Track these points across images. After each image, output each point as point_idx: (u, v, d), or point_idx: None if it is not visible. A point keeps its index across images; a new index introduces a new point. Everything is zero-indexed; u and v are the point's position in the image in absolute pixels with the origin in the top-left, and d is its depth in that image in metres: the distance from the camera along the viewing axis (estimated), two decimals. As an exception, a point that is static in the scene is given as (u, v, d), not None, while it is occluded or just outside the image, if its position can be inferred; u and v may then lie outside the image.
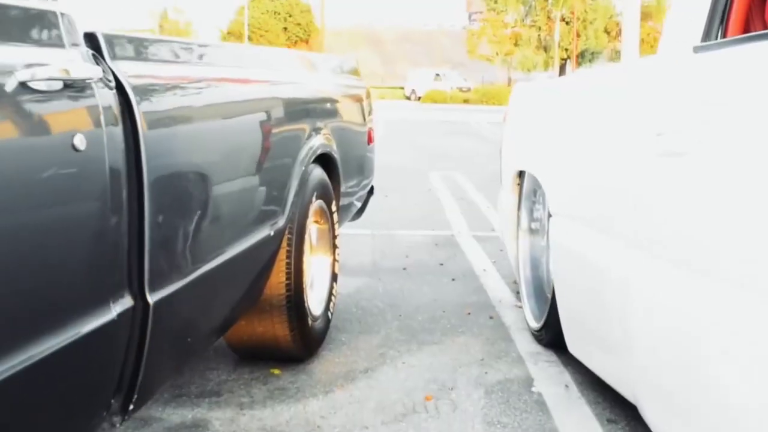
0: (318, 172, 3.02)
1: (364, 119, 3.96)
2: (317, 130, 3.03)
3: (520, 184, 3.49)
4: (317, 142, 2.99)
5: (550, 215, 2.92)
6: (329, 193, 3.19)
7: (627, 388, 2.28)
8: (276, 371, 2.89)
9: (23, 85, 1.35)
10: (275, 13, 61.70)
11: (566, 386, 2.79)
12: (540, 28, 51.11)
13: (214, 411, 2.55)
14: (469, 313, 3.68)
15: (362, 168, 3.88)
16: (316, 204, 3.03)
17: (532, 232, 3.45)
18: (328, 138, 3.16)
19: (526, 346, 3.22)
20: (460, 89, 43.63)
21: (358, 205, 4.01)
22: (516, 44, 50.08)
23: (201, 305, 2.11)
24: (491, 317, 3.63)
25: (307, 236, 2.90)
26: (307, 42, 63.23)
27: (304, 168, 2.82)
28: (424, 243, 5.42)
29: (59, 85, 1.44)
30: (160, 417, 2.49)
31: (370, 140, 4.05)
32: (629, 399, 2.28)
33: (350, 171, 3.57)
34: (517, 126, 3.59)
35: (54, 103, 1.43)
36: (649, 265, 2.01)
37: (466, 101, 39.34)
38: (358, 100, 3.90)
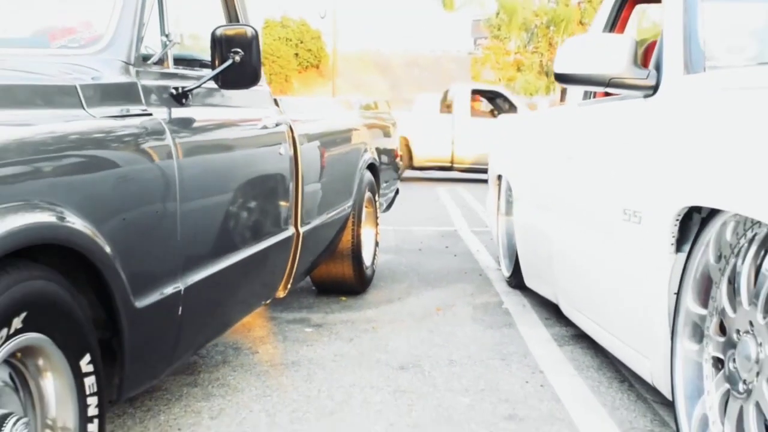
0: (368, 175, 4.76)
1: (393, 140, 5.71)
2: (367, 148, 4.76)
3: (499, 184, 5.23)
4: (368, 156, 4.73)
5: (514, 200, 4.65)
6: (374, 188, 4.93)
7: (551, 295, 3.99)
8: (343, 298, 4.61)
9: (263, 125, 3.10)
10: (287, 39, 63.74)
11: (523, 305, 4.50)
12: (542, 54, 52.96)
13: (310, 314, 4.26)
14: (465, 273, 5.41)
15: (392, 174, 5.62)
16: (367, 195, 4.76)
17: (507, 214, 5.16)
18: (373, 153, 4.90)
19: (502, 288, 4.94)
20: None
21: (387, 202, 5.75)
22: (518, 70, 51.92)
23: (318, 240, 3.84)
24: (480, 275, 5.36)
25: (362, 214, 4.63)
26: (317, 67, 65.18)
27: (361, 172, 4.56)
28: (433, 235, 7.16)
29: (274, 124, 3.19)
30: (279, 317, 4.20)
31: (396, 156, 5.79)
32: (553, 300, 3.98)
33: (386, 175, 5.31)
34: (498, 144, 5.34)
35: (274, 133, 3.18)
36: (559, 223, 3.71)
37: (471, 125, 41.10)
38: (389, 127, 5.65)
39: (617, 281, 2.88)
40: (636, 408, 2.95)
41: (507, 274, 5.00)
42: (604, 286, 3.06)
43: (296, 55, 63.35)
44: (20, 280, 1.66)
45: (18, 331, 1.67)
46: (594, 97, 3.66)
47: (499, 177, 5.22)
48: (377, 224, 5.04)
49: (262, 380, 3.20)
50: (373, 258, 4.91)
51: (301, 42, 64.41)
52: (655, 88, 2.72)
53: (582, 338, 3.77)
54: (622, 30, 3.63)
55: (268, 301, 3.52)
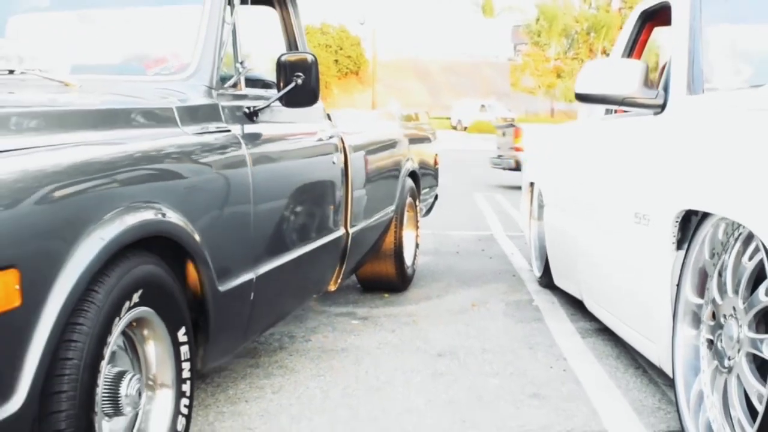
0: (410, 182, 5.18)
1: (432, 149, 6.12)
2: (409, 157, 5.18)
3: (532, 190, 5.61)
4: (410, 164, 5.15)
5: (544, 205, 5.04)
6: (415, 194, 5.35)
7: (577, 292, 4.36)
8: (386, 295, 5.03)
9: (319, 138, 3.53)
10: (327, 46, 64.44)
11: (552, 303, 4.88)
12: (582, 61, 52.84)
13: (356, 309, 4.69)
14: (500, 274, 5.80)
15: (432, 181, 6.04)
16: (409, 200, 5.17)
17: (538, 219, 5.54)
18: (414, 161, 5.31)
19: (533, 287, 5.32)
20: (505, 120, 45.64)
21: (427, 207, 6.16)
22: (558, 76, 52.00)
23: (365, 241, 4.26)
24: (514, 276, 5.75)
25: (404, 218, 5.05)
26: (357, 74, 65.81)
27: (404, 179, 4.98)
28: (470, 238, 7.56)
29: (328, 136, 3.62)
30: (328, 310, 4.63)
31: (436, 163, 6.21)
32: (578, 297, 4.36)
33: (425, 182, 5.72)
34: (530, 154, 5.73)
35: (327, 144, 3.61)
36: (583, 226, 4.08)
37: (510, 131, 41.21)
38: (429, 137, 6.06)
39: (630, 277, 3.26)
40: (647, 389, 3.32)
41: (538, 274, 5.38)
42: (619, 281, 3.44)
43: (336, 61, 64.01)
44: (137, 264, 2.10)
45: (135, 305, 2.11)
46: (616, 112, 4.04)
47: (532, 184, 5.61)
48: (418, 227, 5.45)
49: (315, 363, 3.63)
50: (414, 258, 5.33)
51: (341, 48, 65.09)
52: (663, 107, 3.10)
53: (604, 331, 4.14)
54: (640, 52, 4.01)
55: (320, 294, 3.94)
